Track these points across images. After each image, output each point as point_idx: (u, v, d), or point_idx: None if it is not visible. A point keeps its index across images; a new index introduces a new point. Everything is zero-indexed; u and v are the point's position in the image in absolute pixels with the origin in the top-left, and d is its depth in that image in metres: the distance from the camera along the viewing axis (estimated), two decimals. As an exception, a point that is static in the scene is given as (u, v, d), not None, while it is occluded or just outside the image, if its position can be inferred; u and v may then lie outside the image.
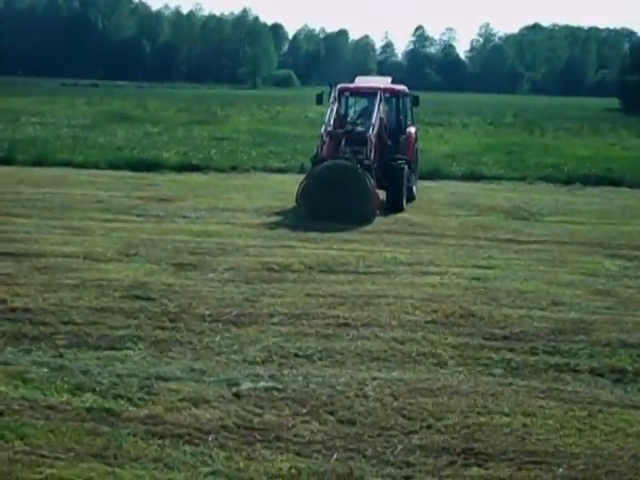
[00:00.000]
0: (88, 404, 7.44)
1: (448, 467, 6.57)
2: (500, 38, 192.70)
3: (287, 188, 20.55)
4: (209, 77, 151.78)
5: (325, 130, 18.96)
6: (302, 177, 18.71)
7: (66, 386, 7.82)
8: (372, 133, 18.71)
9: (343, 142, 18.75)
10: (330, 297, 11.16)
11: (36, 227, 15.63)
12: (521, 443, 6.96)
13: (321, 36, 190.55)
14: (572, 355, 9.09)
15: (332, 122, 19.15)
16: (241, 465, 6.48)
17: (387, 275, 12.64)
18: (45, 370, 8.20)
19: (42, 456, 6.50)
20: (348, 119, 20.58)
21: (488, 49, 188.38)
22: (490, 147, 34.84)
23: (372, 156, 18.48)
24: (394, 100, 21.37)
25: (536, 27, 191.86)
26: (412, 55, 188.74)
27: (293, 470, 6.41)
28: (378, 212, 17.94)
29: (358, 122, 20.10)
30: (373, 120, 19.00)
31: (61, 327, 9.57)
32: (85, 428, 6.99)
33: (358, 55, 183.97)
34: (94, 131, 36.40)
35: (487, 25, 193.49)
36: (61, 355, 8.68)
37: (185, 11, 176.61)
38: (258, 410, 7.44)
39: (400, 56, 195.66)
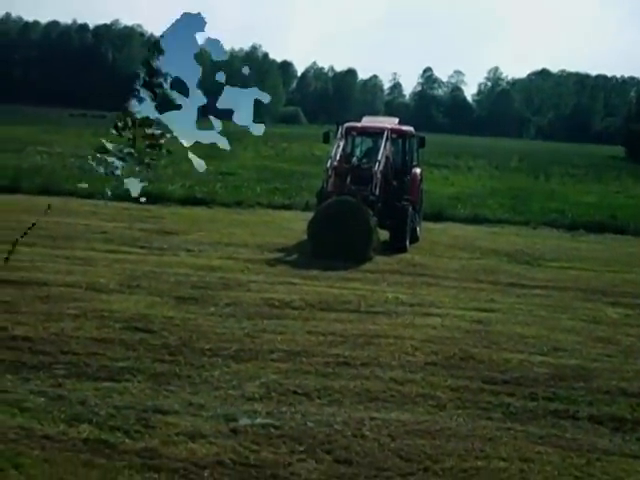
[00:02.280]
0: (84, 435, 7.41)
1: (444, 511, 6.53)
2: (508, 82, 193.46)
3: (291, 225, 20.60)
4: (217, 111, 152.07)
5: (331, 165, 18.95)
6: (306, 214, 18.74)
7: (63, 416, 7.78)
8: (378, 169, 18.71)
9: (349, 178, 18.75)
10: (330, 335, 11.14)
11: (39, 256, 15.60)
12: (518, 489, 6.93)
13: (330, 75, 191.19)
14: (571, 402, 9.05)
15: (338, 157, 19.17)
16: (236, 502, 6.45)
17: (388, 315, 12.62)
18: (43, 399, 8.17)
19: (36, 486, 6.47)
20: (354, 158, 20.59)
21: (496, 93, 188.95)
22: (495, 191, 34.95)
23: (377, 192, 18.48)
24: (400, 141, 21.40)
25: (544, 72, 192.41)
26: (420, 96, 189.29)
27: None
28: (374, 251, 17.78)
29: (364, 161, 20.15)
30: (379, 157, 19.01)
31: (61, 357, 9.55)
32: (81, 459, 6.96)
33: (366, 95, 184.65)
34: (100, 162, 36.37)
35: (496, 69, 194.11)
36: (59, 385, 8.66)
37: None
38: (255, 447, 7.40)
39: (408, 97, 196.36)
